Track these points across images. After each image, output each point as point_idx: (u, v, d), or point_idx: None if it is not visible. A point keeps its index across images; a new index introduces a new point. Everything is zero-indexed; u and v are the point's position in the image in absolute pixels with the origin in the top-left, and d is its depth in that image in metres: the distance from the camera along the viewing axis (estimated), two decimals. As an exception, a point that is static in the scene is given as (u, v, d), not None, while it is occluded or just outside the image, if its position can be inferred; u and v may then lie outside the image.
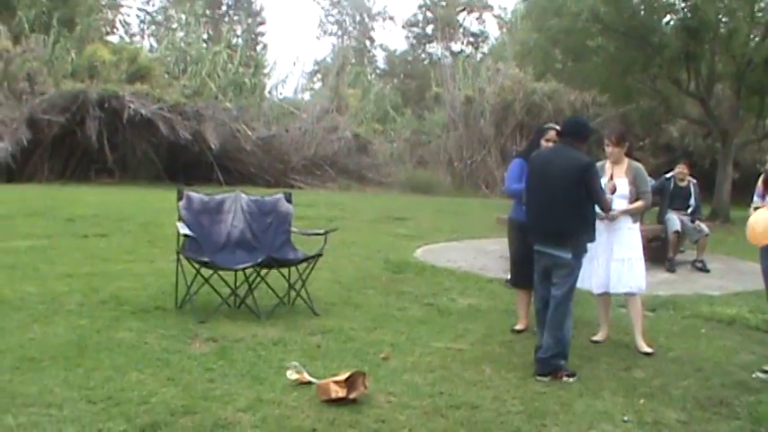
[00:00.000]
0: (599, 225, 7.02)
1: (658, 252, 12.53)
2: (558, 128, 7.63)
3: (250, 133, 26.72)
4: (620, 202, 7.59)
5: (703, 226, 13.26)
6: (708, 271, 12.70)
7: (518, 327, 8.19)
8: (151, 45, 33.45)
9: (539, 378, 6.56)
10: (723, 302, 9.93)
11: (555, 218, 6.68)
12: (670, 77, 21.41)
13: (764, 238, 6.68)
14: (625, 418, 5.75)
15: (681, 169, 13.54)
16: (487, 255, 12.97)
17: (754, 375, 6.99)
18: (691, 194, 13.42)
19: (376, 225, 17.16)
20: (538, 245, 6.89)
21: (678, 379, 6.79)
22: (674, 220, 12.95)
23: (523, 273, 7.84)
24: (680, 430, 5.59)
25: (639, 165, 7.99)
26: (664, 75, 21.37)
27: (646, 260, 7.90)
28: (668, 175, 13.63)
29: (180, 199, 8.42)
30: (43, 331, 7.20)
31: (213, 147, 24.63)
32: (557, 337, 6.65)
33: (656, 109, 23.75)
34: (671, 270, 12.65)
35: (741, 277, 12.11)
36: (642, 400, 6.16)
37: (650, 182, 8.16)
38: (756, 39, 20.63)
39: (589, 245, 6.86)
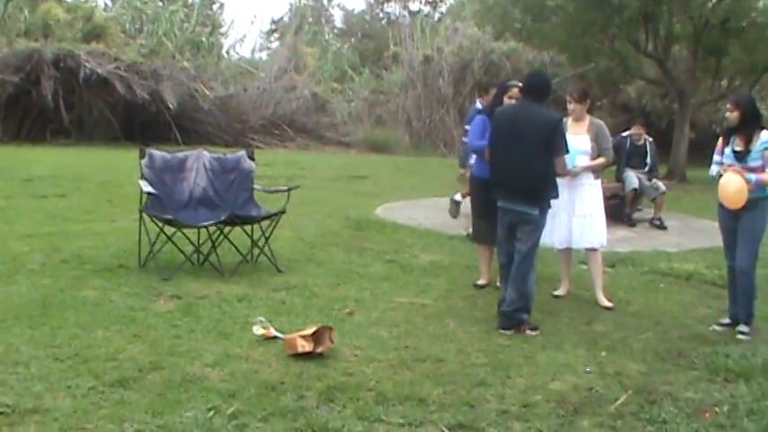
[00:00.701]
0: (561, 181, 7.09)
1: (617, 210, 12.66)
2: (521, 85, 7.68)
3: (208, 93, 26.44)
4: (581, 159, 7.67)
5: (660, 184, 13.45)
6: (665, 228, 12.87)
7: (480, 282, 8.28)
8: (106, 3, 32.85)
9: (502, 331, 6.66)
10: (680, 259, 10.10)
11: (523, 174, 6.72)
12: (628, 38, 21.44)
13: (738, 201, 6.80)
14: (587, 370, 5.87)
15: (637, 130, 13.73)
16: (447, 212, 13.01)
17: (710, 328, 7.18)
18: (647, 153, 13.61)
19: (335, 183, 17.16)
20: (503, 201, 6.93)
21: (638, 332, 6.93)
22: (632, 178, 13.12)
23: (485, 229, 7.92)
24: (640, 381, 5.71)
25: (601, 122, 8.08)
26: (622, 35, 21.39)
27: (605, 217, 8.02)
28: (625, 134, 13.79)
29: (142, 157, 8.37)
30: (5, 291, 7.16)
31: (171, 106, 24.34)
32: (520, 292, 6.73)
33: (614, 69, 23.78)
34: (631, 224, 12.85)
35: (697, 234, 12.30)
36: (603, 353, 6.29)
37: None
38: (713, 0, 20.75)
39: (552, 201, 6.93)
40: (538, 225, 6.81)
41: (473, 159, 8.54)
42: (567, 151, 6.87)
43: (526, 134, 6.72)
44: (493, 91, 9.08)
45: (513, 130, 6.81)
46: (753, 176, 6.71)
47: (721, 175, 6.92)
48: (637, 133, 13.64)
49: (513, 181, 6.81)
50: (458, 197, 10.34)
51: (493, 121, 7.32)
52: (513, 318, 6.72)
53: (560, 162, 6.84)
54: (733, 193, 6.78)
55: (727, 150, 6.97)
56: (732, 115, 6.90)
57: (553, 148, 6.70)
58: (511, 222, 6.90)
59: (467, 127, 9.54)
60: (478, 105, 9.66)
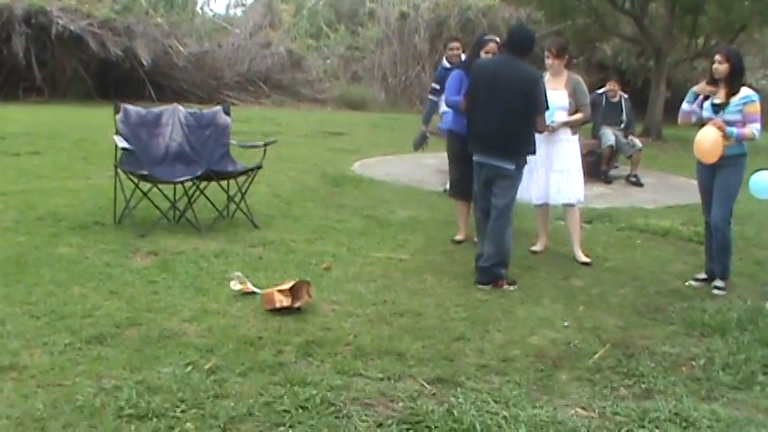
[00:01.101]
0: (538, 137, 7.07)
1: (593, 167, 12.68)
2: (497, 40, 7.65)
3: (182, 49, 26.16)
4: (559, 114, 7.66)
5: (636, 141, 13.49)
6: (642, 185, 12.92)
7: (458, 237, 8.29)
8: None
9: (480, 286, 6.68)
10: (657, 215, 10.15)
11: (502, 130, 6.69)
12: (605, -5, 21.41)
13: (712, 156, 6.80)
14: (565, 324, 5.90)
15: (612, 86, 13.76)
16: (424, 168, 13.03)
17: (687, 283, 7.24)
18: (623, 110, 13.62)
19: (312, 140, 17.06)
20: (479, 156, 6.91)
21: (615, 287, 6.98)
22: (609, 135, 13.14)
23: (463, 184, 7.92)
24: (618, 335, 5.76)
25: (578, 77, 8.05)
26: (599, -8, 21.35)
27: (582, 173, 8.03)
28: (600, 91, 13.80)
29: (117, 112, 8.25)
30: (-20, 249, 7.08)
31: (145, 63, 24.07)
32: (498, 247, 6.74)
33: (591, 26, 23.73)
34: (607, 181, 12.89)
35: (673, 192, 12.35)
36: (581, 308, 6.33)
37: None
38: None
39: (529, 157, 6.92)
40: (514, 180, 6.81)
41: (442, 110, 8.55)
42: (548, 107, 6.86)
43: (506, 88, 6.67)
44: (453, 44, 9.28)
45: (494, 84, 6.75)
46: (734, 130, 6.71)
47: (703, 125, 6.95)
48: (612, 90, 13.67)
49: (491, 135, 6.76)
50: (428, 133, 10.32)
51: (472, 72, 7.27)
52: (491, 272, 6.74)
53: (540, 120, 6.84)
54: (707, 147, 6.79)
55: (706, 103, 6.98)
56: (721, 67, 6.86)
57: (534, 105, 6.68)
58: (487, 177, 6.88)
59: (434, 85, 9.54)
60: (446, 63, 9.62)
